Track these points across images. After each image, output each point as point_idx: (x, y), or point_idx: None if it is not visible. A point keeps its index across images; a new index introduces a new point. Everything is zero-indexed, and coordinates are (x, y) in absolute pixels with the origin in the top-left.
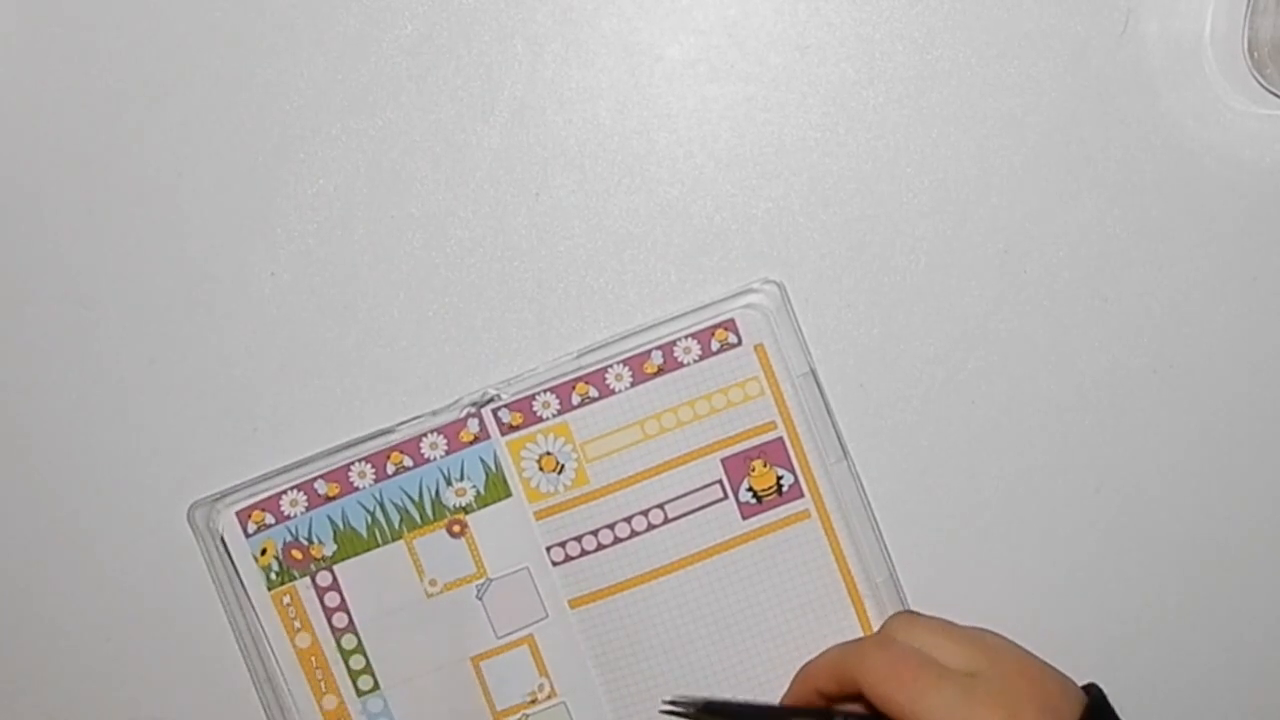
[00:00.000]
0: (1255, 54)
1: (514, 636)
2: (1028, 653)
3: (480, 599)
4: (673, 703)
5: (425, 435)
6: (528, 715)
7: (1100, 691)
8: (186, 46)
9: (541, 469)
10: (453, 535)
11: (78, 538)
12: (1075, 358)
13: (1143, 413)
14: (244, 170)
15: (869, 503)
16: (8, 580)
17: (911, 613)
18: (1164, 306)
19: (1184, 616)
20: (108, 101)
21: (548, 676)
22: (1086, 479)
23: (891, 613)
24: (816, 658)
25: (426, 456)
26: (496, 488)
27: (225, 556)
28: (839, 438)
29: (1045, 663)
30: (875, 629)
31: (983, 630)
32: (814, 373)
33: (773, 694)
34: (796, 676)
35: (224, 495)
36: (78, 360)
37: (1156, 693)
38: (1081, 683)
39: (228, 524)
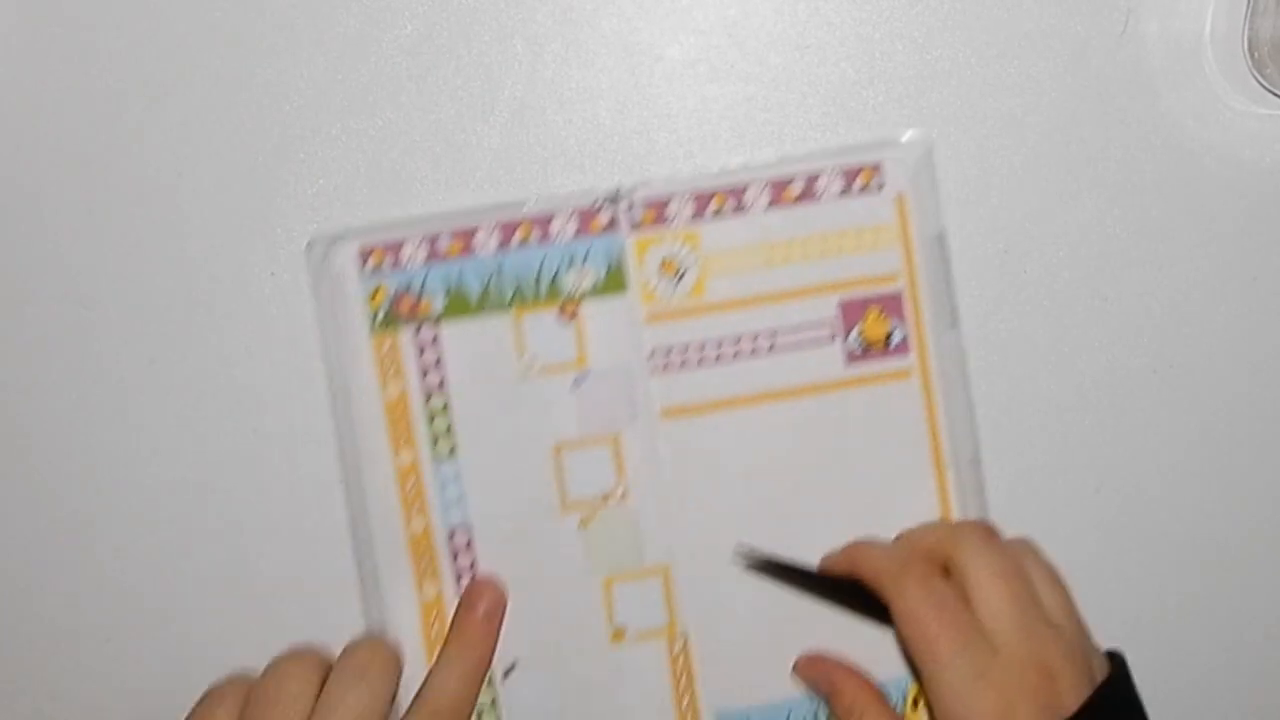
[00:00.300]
0: (1255, 54)
1: (600, 433)
2: (1064, 627)
3: (575, 389)
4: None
5: (556, 215)
6: (597, 512)
7: (1112, 681)
8: (186, 46)
9: (662, 273)
10: (563, 320)
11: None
12: (1075, 358)
13: (1143, 413)
14: (244, 170)
15: (969, 379)
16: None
17: (989, 532)
18: (1164, 306)
19: (1184, 616)
20: (108, 101)
21: (624, 479)
22: (1086, 479)
23: (969, 495)
24: (867, 550)
25: (554, 236)
26: (615, 281)
27: (335, 291)
28: (954, 308)
29: (1075, 642)
30: (951, 503)
31: (1045, 582)
32: (943, 237)
33: (835, 544)
34: (845, 552)
35: (346, 234)
36: (78, 359)
37: (1156, 692)
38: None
39: (346, 259)
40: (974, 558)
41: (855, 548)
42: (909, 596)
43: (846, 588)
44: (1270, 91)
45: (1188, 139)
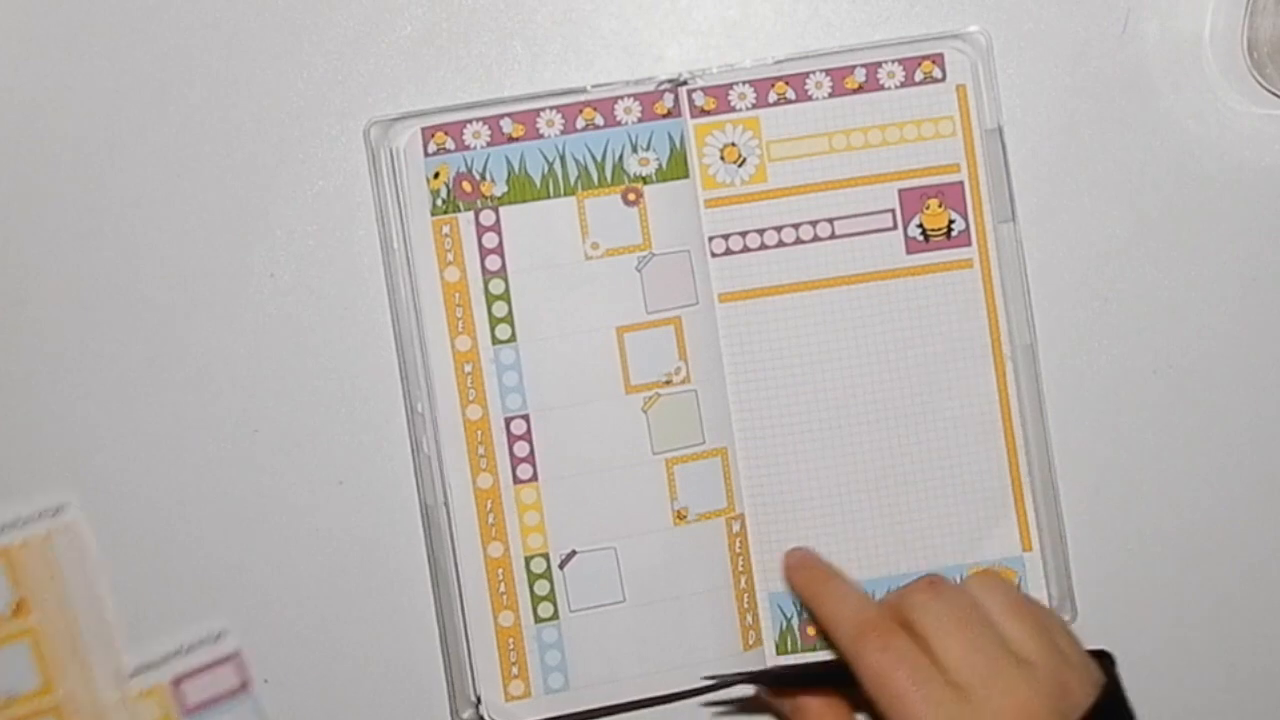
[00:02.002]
0: (1255, 54)
1: (663, 316)
2: (1036, 662)
3: (639, 270)
4: (711, 677)
5: (620, 99)
6: (659, 394)
7: (1099, 703)
8: (187, 46)
9: (723, 159)
10: (627, 203)
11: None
12: (1075, 358)
13: (1143, 413)
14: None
15: (1026, 270)
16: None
17: (934, 582)
18: (1164, 306)
19: (1183, 616)
20: (108, 101)
21: (686, 361)
22: (1087, 479)
23: (1025, 383)
24: (829, 592)
25: (619, 119)
26: (677, 166)
27: (396, 172)
28: (1011, 200)
29: (1050, 673)
30: (1009, 391)
31: (1009, 614)
32: (1001, 130)
33: (892, 430)
34: (808, 577)
35: (407, 116)
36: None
37: (1155, 692)
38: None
39: (410, 139)
40: (924, 612)
41: (818, 581)
42: (871, 654)
43: (811, 678)
44: (1269, 91)
45: (1187, 139)
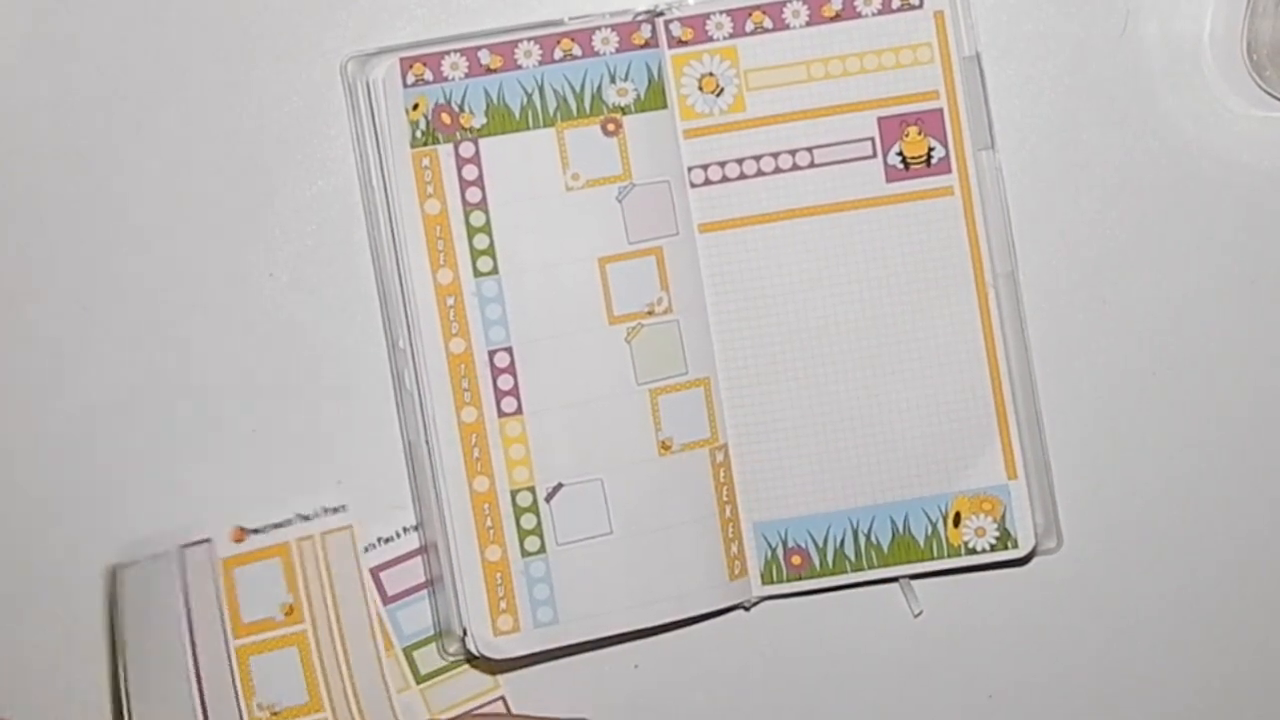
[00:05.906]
0: (1255, 56)
1: (644, 246)
2: None
3: (620, 201)
4: None
5: (598, 29)
6: (642, 325)
7: None
8: (186, 46)
9: (701, 89)
10: (606, 133)
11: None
12: (1075, 358)
13: (1143, 413)
14: (244, 170)
15: (1006, 197)
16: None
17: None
18: (1164, 307)
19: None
20: (107, 102)
21: (668, 292)
22: (1086, 480)
23: (1007, 311)
24: None
25: (596, 50)
26: (655, 96)
27: (374, 105)
28: (990, 127)
29: None
30: (992, 320)
31: None
32: (978, 57)
33: (871, 359)
34: None
35: (384, 51)
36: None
37: (1154, 693)
38: None
39: (388, 71)
40: None
41: None
42: None
43: None
44: (1269, 94)
45: (1186, 141)
